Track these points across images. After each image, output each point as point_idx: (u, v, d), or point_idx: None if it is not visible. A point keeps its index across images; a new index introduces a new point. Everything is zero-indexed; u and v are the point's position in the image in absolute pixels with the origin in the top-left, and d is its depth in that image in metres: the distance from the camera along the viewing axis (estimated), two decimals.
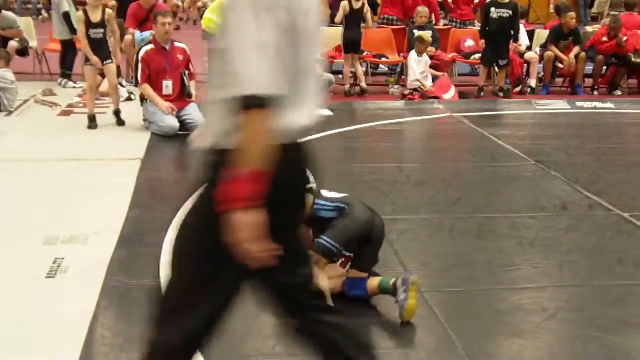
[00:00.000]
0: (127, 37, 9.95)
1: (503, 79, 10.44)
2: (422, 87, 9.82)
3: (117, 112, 7.82)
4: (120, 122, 7.78)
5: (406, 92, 9.95)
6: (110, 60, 7.71)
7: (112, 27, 7.96)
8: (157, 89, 7.37)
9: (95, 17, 7.54)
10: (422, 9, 10.95)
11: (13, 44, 9.88)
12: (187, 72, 7.55)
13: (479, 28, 10.91)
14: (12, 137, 7.00)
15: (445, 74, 10.38)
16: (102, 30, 7.59)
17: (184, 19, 18.71)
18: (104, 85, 8.51)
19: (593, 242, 4.69)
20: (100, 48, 7.58)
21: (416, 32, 10.71)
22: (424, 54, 9.90)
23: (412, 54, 9.85)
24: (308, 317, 2.35)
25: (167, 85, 7.43)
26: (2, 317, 3.45)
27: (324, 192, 3.80)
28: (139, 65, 7.36)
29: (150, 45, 7.45)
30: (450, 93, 9.92)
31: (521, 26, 11.23)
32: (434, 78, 10.11)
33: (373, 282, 3.64)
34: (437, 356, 3.26)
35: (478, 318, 3.60)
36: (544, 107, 9.72)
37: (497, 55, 10.13)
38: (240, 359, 3.18)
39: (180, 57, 7.52)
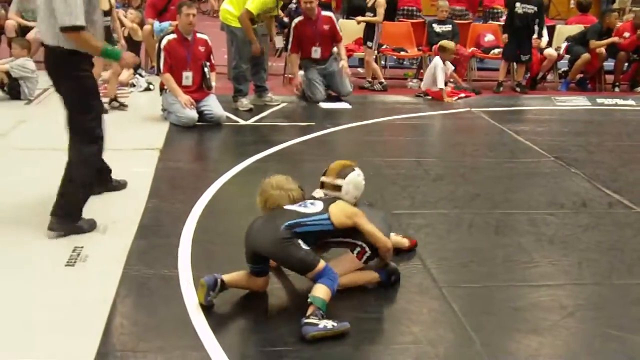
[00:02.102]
0: (146, 27, 9.98)
1: (522, 74, 10.38)
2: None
3: (115, 99, 8.04)
4: (122, 106, 8.00)
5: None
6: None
7: (113, 16, 8.12)
8: (177, 80, 7.37)
9: (105, 5, 7.71)
10: (443, 3, 10.87)
11: (33, 34, 9.93)
12: (208, 63, 7.55)
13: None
14: (32, 126, 7.05)
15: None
16: (109, 18, 7.81)
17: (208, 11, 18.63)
18: (124, 75, 8.57)
19: (613, 240, 4.65)
20: (108, 35, 7.73)
21: (435, 27, 10.65)
22: (447, 62, 9.79)
23: (439, 61, 9.52)
24: None
25: (187, 77, 7.42)
26: (21, 304, 3.48)
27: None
28: (161, 55, 7.35)
29: (173, 35, 7.44)
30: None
31: None
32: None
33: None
34: (455, 352, 3.25)
35: (496, 314, 3.58)
36: (564, 104, 9.65)
37: (520, 51, 10.06)
38: (258, 353, 3.18)
39: (202, 48, 7.50)
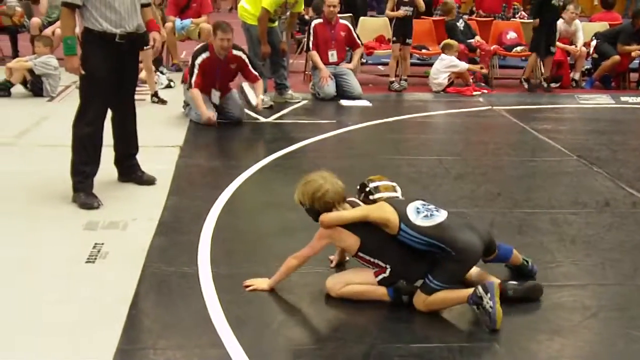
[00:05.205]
0: (168, 24, 10.01)
1: (550, 68, 10.22)
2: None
3: (155, 94, 8.24)
4: (162, 101, 8.19)
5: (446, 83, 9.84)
6: (149, 46, 7.91)
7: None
8: (205, 93, 7.29)
9: None
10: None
11: (58, 31, 9.99)
12: (247, 83, 7.65)
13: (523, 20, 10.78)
14: (54, 123, 7.09)
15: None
16: None
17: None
18: (142, 73, 8.61)
19: (637, 240, 4.59)
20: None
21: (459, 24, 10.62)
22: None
23: (451, 56, 9.72)
24: None
25: (215, 95, 7.37)
26: (42, 300, 3.49)
27: (412, 216, 3.60)
28: (195, 71, 7.15)
29: (207, 54, 7.19)
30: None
31: (577, 21, 10.89)
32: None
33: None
34: (475, 352, 3.22)
35: (518, 314, 3.54)
36: (588, 102, 9.55)
37: (549, 44, 9.95)
38: (277, 351, 3.17)
39: (233, 66, 7.36)
